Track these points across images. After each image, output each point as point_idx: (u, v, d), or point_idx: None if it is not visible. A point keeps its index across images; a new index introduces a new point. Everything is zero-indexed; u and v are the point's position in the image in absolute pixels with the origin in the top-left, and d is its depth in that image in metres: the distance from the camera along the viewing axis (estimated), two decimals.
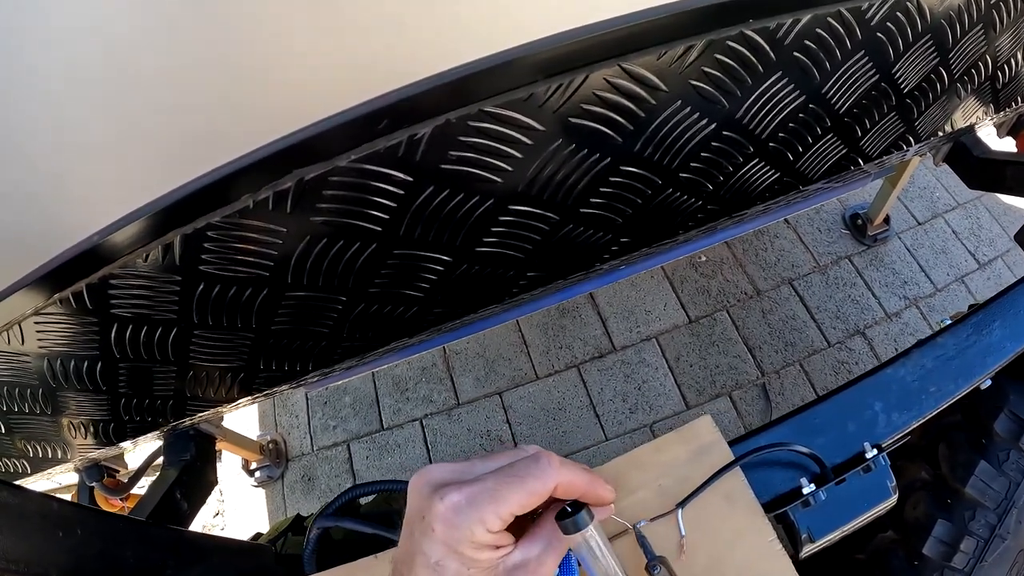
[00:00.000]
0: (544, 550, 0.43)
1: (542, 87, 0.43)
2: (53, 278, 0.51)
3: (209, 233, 0.48)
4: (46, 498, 0.65)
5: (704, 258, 1.92)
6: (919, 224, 1.97)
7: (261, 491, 1.75)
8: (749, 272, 1.89)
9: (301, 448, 1.78)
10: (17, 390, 0.63)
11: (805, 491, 0.56)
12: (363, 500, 0.89)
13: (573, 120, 0.47)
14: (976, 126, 0.81)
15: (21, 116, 0.40)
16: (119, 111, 0.41)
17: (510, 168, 0.49)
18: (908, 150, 0.73)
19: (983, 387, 0.71)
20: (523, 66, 0.41)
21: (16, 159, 0.43)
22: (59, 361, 0.60)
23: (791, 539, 0.57)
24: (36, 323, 0.56)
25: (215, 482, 1.18)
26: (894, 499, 0.58)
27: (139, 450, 1.18)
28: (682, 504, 0.54)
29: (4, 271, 0.50)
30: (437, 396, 1.79)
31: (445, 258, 0.54)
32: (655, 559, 0.50)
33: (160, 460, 1.14)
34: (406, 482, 0.64)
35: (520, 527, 0.44)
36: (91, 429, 0.71)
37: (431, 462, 1.70)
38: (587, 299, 1.87)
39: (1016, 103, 0.79)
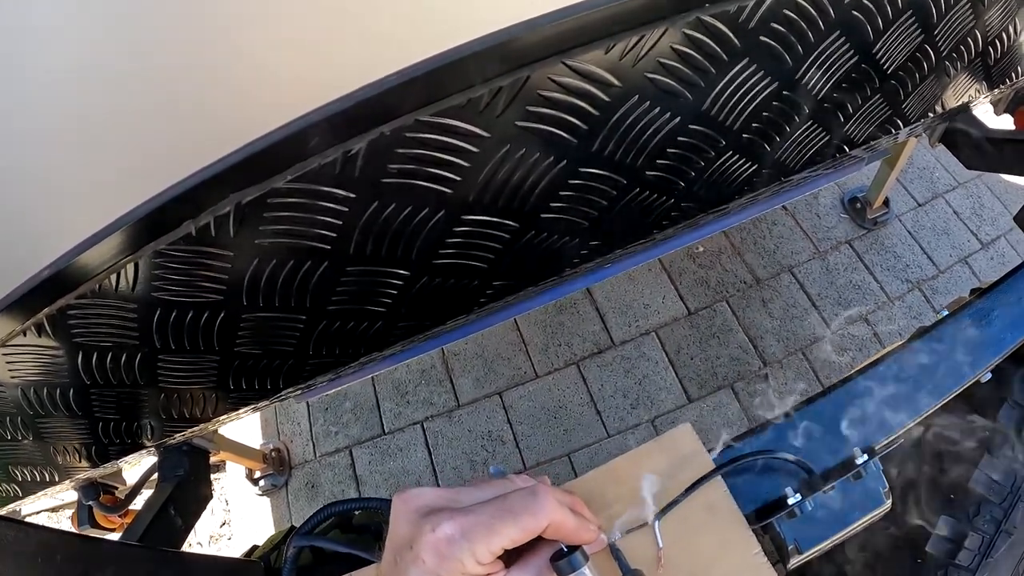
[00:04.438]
0: None
1: (479, 91, 0.41)
2: (13, 311, 0.50)
3: (157, 260, 0.47)
4: (23, 525, 0.64)
5: (701, 248, 1.89)
6: (919, 205, 1.94)
7: (266, 499, 1.74)
8: (748, 261, 1.87)
9: (304, 455, 1.77)
10: None
11: (791, 501, 0.54)
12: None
13: (520, 124, 0.45)
14: (971, 104, 0.78)
15: None
16: (55, 145, 0.41)
17: (458, 177, 0.46)
18: (897, 133, 0.70)
19: (984, 380, 0.68)
20: (455, 71, 0.39)
21: None
22: (32, 389, 0.60)
23: (778, 550, 0.54)
24: (4, 354, 0.55)
25: (210, 496, 1.18)
26: (887, 505, 0.55)
27: (137, 465, 1.18)
28: (659, 515, 0.51)
29: None
30: (437, 398, 1.78)
31: (403, 272, 0.52)
32: (630, 573, 0.49)
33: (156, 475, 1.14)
34: (384, 499, 0.63)
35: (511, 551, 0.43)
36: (75, 452, 0.71)
37: (433, 465, 1.69)
38: (584, 295, 1.85)
39: (1012, 79, 0.75)
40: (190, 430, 0.71)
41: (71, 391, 0.61)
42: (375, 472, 1.72)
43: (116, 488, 1.22)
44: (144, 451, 0.73)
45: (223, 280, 0.50)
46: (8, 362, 0.56)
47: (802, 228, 1.91)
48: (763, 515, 0.54)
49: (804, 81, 0.55)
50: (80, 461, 0.71)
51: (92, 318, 0.53)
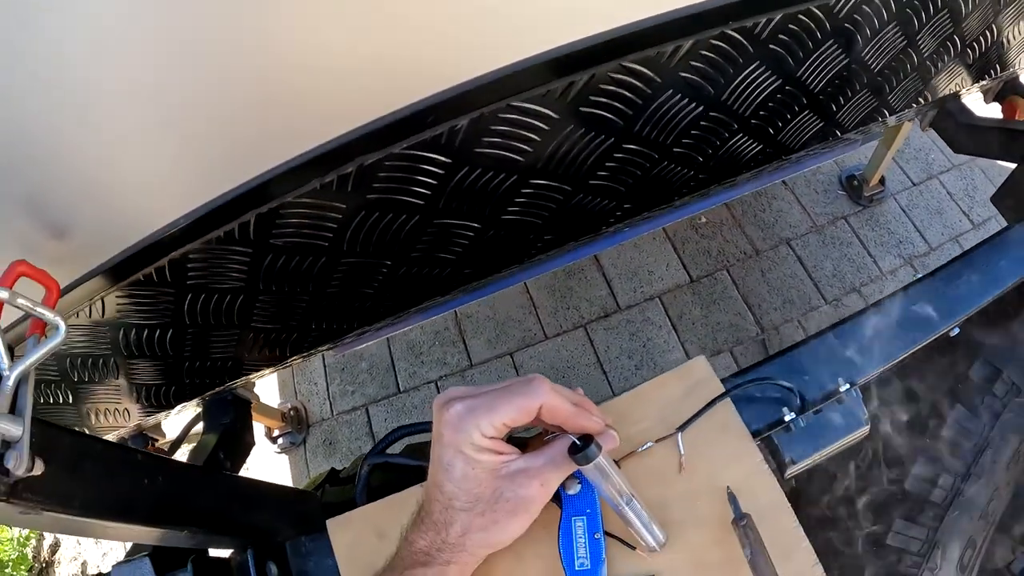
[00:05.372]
0: (546, 463, 0.51)
1: (557, 84, 0.53)
2: (142, 256, 0.58)
3: (281, 211, 0.57)
4: (131, 451, 0.73)
5: (704, 219, 1.95)
6: (914, 185, 1.99)
7: (284, 457, 1.80)
8: (748, 233, 1.93)
9: (321, 414, 1.82)
10: (90, 360, 0.70)
11: (787, 419, 0.65)
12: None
13: (583, 109, 0.56)
14: (958, 94, 0.86)
15: (112, 128, 0.47)
16: (202, 116, 0.48)
17: (531, 149, 0.58)
18: (886, 120, 0.79)
19: (952, 333, 0.76)
20: (543, 69, 0.51)
21: (112, 159, 0.50)
22: (133, 330, 0.67)
23: (776, 461, 0.65)
24: (118, 296, 0.62)
25: (253, 443, 1.19)
26: (866, 429, 0.65)
27: (177, 418, 1.25)
28: (681, 428, 0.62)
29: (94, 252, 0.58)
30: (450, 358, 1.83)
31: (475, 225, 0.63)
32: (742, 516, 0.55)
33: (198, 427, 1.18)
34: None
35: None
36: (152, 393, 0.77)
37: None
38: (592, 261, 1.91)
39: (993, 74, 0.83)
40: (261, 371, 0.78)
41: (170, 331, 0.67)
42: (391, 428, 1.79)
43: (157, 440, 1.29)
44: (212, 393, 0.79)
45: (331, 228, 0.59)
46: (119, 303, 0.63)
47: (800, 203, 1.96)
48: (764, 431, 0.66)
49: (803, 78, 0.66)
50: (154, 403, 0.78)
51: (208, 262, 0.60)
